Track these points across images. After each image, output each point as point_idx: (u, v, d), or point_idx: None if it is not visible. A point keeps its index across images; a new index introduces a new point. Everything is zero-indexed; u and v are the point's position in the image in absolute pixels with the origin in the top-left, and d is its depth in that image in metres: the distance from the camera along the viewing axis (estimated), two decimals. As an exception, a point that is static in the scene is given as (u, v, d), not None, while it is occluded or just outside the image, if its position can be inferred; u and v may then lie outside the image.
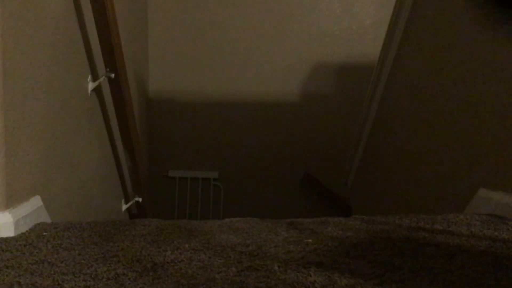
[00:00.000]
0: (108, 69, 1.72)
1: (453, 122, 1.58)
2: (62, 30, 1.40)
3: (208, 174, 3.51)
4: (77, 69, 1.58)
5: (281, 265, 0.85)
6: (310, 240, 1.03)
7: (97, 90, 1.79)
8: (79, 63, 1.59)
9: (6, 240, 1.02)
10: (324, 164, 3.47)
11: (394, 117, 2.24)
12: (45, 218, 1.24)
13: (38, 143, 1.23)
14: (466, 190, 1.40)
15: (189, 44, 3.38)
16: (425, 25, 1.94)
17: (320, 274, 0.81)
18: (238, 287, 0.75)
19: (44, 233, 1.09)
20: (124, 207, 2.36)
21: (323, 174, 3.46)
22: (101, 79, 1.74)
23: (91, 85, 1.70)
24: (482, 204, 1.30)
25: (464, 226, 1.13)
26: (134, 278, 0.80)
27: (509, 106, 1.25)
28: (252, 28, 3.35)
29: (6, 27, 1.02)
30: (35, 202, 1.20)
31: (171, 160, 3.52)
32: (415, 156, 1.90)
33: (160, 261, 0.89)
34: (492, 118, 1.33)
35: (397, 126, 2.18)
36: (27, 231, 1.11)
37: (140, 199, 2.44)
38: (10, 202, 1.08)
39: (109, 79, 1.75)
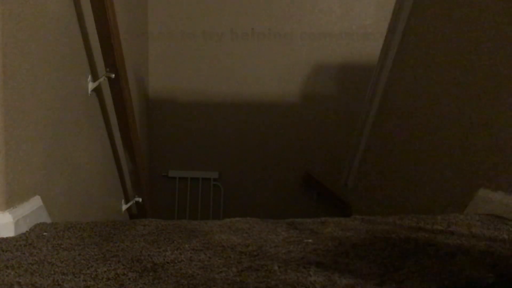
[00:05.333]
0: (108, 69, 1.72)
1: (453, 122, 1.58)
2: (62, 30, 1.40)
3: (208, 174, 3.51)
4: (77, 69, 1.58)
5: (281, 265, 0.85)
6: (310, 240, 1.03)
7: (97, 90, 1.79)
8: (79, 63, 1.59)
9: (6, 240, 1.02)
10: (324, 164, 3.47)
11: (394, 117, 2.24)
12: (45, 218, 1.24)
13: (38, 143, 1.23)
14: (466, 190, 1.40)
15: (189, 44, 3.38)
16: (425, 25, 1.93)
17: (320, 274, 0.81)
18: (238, 287, 0.75)
19: (44, 233, 1.09)
20: (124, 207, 2.36)
21: (323, 174, 3.46)
22: (101, 79, 1.74)
23: (91, 85, 1.70)
24: (482, 204, 1.30)
25: (464, 226, 1.13)
26: (134, 278, 0.80)
27: (510, 106, 1.25)
28: (252, 28, 3.35)
29: (6, 27, 1.02)
30: (35, 202, 1.20)
31: (171, 160, 3.52)
32: (415, 156, 1.90)
33: (160, 261, 0.89)
34: (492, 118, 1.33)
35: (397, 126, 2.18)
36: (27, 231, 1.11)
37: (140, 199, 2.44)
38: (10, 202, 1.08)
39: (109, 79, 1.75)
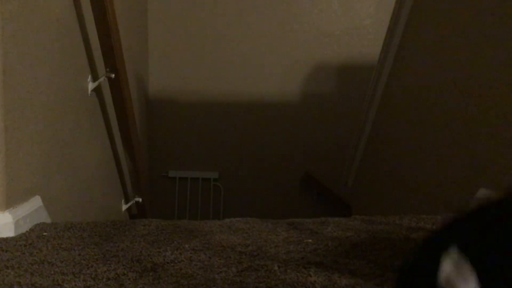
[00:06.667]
0: (108, 69, 1.72)
1: (453, 122, 1.58)
2: (62, 30, 1.40)
3: (208, 174, 3.51)
4: (77, 69, 1.58)
5: (281, 265, 0.85)
6: (310, 240, 1.03)
7: (97, 90, 1.79)
8: (79, 63, 1.59)
9: (6, 240, 1.02)
10: (324, 164, 3.47)
11: (394, 117, 2.24)
12: (45, 218, 1.24)
13: (38, 143, 1.23)
14: (466, 190, 1.40)
15: (189, 44, 3.38)
16: (425, 25, 1.94)
17: (320, 274, 0.81)
18: (238, 287, 0.75)
19: (44, 233, 1.09)
20: (124, 207, 2.36)
21: (323, 174, 3.46)
22: (101, 79, 1.74)
23: (91, 85, 1.70)
24: (482, 204, 1.29)
25: (464, 226, 1.13)
26: (134, 278, 0.80)
27: (510, 107, 1.25)
28: (252, 28, 3.35)
29: (6, 27, 1.02)
30: (35, 202, 1.20)
31: (171, 160, 3.52)
32: (415, 156, 1.90)
33: (160, 261, 0.89)
34: (493, 119, 1.33)
35: (397, 126, 2.18)
36: (27, 231, 1.11)
37: (140, 199, 2.44)
38: (10, 202, 1.08)
39: (109, 79, 1.75)
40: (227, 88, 3.42)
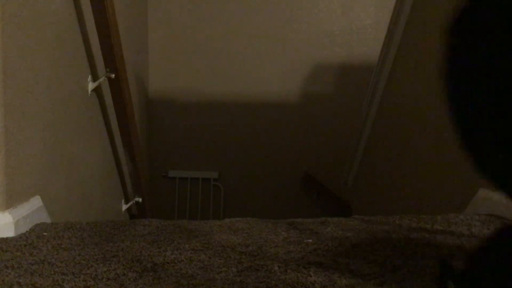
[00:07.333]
0: (108, 69, 1.72)
1: (453, 122, 1.58)
2: (62, 31, 1.40)
3: (208, 174, 3.51)
4: (77, 69, 1.58)
5: (281, 265, 0.85)
6: (310, 240, 1.03)
7: (97, 90, 1.79)
8: (79, 63, 1.59)
9: (6, 240, 1.02)
10: (324, 164, 3.47)
11: (394, 117, 2.24)
12: (45, 218, 1.24)
13: (38, 143, 1.23)
14: (466, 190, 1.40)
15: (189, 44, 3.38)
16: (425, 25, 1.94)
17: (320, 274, 0.81)
18: (238, 287, 0.75)
19: (44, 233, 1.09)
20: (124, 207, 2.36)
21: (323, 174, 3.46)
22: (101, 79, 1.74)
23: (91, 85, 1.70)
24: (482, 204, 1.30)
25: (464, 226, 1.13)
26: (134, 278, 0.80)
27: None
28: (252, 28, 3.36)
29: (6, 27, 1.02)
30: (35, 202, 1.20)
31: (171, 160, 3.52)
32: (415, 156, 1.90)
33: (160, 261, 0.89)
34: (492, 118, 1.33)
35: (397, 126, 2.18)
36: (27, 231, 1.11)
37: (140, 199, 2.44)
38: (10, 202, 1.08)
39: (109, 79, 1.75)
40: (227, 88, 3.42)
